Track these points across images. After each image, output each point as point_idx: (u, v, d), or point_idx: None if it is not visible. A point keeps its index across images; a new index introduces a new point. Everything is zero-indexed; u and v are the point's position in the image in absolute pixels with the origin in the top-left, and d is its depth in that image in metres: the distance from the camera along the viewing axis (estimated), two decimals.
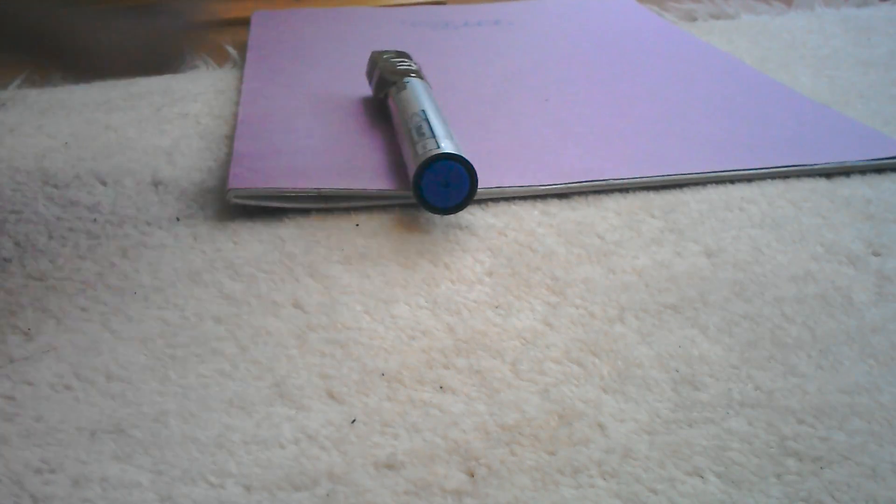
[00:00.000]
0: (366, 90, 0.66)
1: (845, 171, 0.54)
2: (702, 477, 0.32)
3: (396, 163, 0.53)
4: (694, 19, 0.89)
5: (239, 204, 0.50)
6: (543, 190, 0.51)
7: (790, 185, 0.52)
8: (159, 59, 0.49)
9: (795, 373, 0.37)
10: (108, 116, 0.66)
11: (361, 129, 0.58)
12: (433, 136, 0.48)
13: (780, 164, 0.53)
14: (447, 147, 0.47)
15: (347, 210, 0.50)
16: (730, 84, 0.67)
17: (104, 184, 0.55)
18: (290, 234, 0.48)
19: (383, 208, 0.51)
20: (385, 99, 0.58)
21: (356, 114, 0.61)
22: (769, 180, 0.53)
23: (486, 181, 0.51)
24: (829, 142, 0.56)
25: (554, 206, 0.51)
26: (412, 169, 0.48)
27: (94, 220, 0.50)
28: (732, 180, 0.53)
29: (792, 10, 0.91)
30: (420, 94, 0.54)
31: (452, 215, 0.49)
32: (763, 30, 0.85)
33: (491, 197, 0.51)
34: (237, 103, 0.66)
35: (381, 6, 0.92)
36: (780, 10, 0.91)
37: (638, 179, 0.52)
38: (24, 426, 0.35)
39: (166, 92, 0.70)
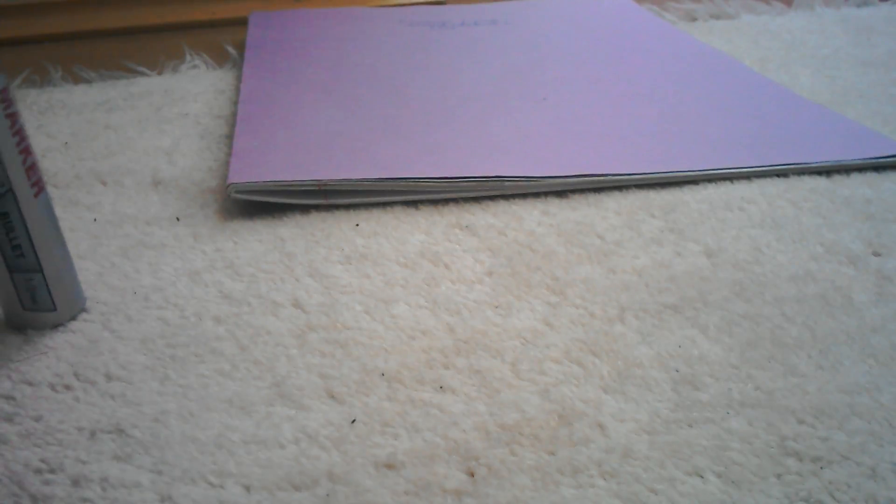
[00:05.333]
0: (364, 88, 0.66)
1: (845, 171, 0.54)
2: (702, 477, 0.32)
3: (395, 154, 0.53)
4: (694, 19, 0.89)
5: (239, 199, 0.50)
6: (542, 185, 0.51)
7: (790, 185, 0.52)
8: None
9: (795, 373, 0.37)
10: (108, 116, 0.66)
11: (360, 125, 0.58)
12: None
13: (779, 163, 0.53)
14: None
15: (347, 210, 0.50)
16: (727, 84, 0.67)
17: (104, 184, 0.55)
18: (290, 233, 0.48)
19: (383, 208, 0.51)
20: None
21: (355, 110, 0.61)
22: (769, 180, 0.53)
23: (484, 172, 0.51)
24: (829, 141, 0.56)
25: (554, 205, 0.51)
26: None
27: (94, 220, 0.50)
28: (732, 179, 0.53)
29: (792, 10, 0.92)
30: None
31: (453, 215, 0.49)
32: (763, 30, 0.85)
33: (490, 194, 0.51)
34: (237, 103, 0.66)
35: (378, 6, 0.92)
36: (780, 10, 0.91)
37: (637, 176, 0.52)
38: (24, 426, 0.35)
39: (166, 92, 0.70)
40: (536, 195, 0.52)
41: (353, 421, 0.34)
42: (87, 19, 0.86)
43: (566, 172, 0.52)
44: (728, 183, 0.53)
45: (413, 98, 0.64)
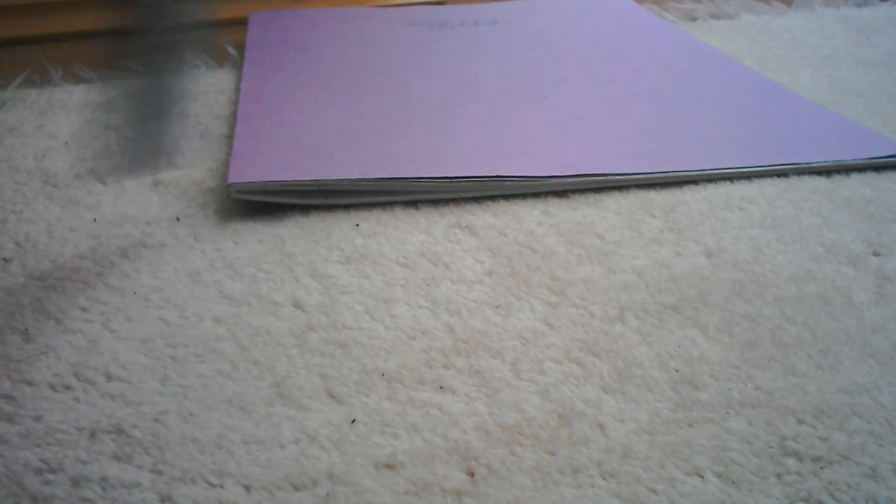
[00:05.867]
0: (364, 88, 0.65)
1: (845, 171, 0.54)
2: (702, 477, 0.32)
3: (395, 154, 0.53)
4: (694, 19, 0.89)
5: (240, 200, 0.51)
6: (542, 185, 0.51)
7: (790, 185, 0.52)
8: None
9: (795, 373, 0.37)
10: (107, 116, 0.66)
11: (360, 125, 0.58)
12: None
13: (779, 163, 0.53)
14: None
15: (347, 210, 0.50)
16: (727, 84, 0.67)
17: (104, 184, 0.55)
18: (290, 233, 0.48)
19: (383, 208, 0.51)
20: None
21: (355, 110, 0.61)
22: (769, 180, 0.53)
23: (484, 172, 0.51)
24: (829, 141, 0.56)
25: (554, 205, 0.51)
26: None
27: (94, 220, 0.50)
28: (732, 179, 0.53)
29: (792, 10, 0.91)
30: None
31: (453, 215, 0.49)
32: (763, 30, 0.85)
33: (490, 194, 0.51)
34: (237, 103, 0.66)
35: (378, 6, 0.92)
36: (780, 10, 0.91)
37: (637, 176, 0.52)
38: (23, 426, 0.35)
39: None
40: (536, 195, 0.52)
41: (353, 421, 0.34)
42: (87, 19, 0.86)
43: (566, 172, 0.52)
44: (728, 183, 0.53)
45: (413, 98, 0.64)
